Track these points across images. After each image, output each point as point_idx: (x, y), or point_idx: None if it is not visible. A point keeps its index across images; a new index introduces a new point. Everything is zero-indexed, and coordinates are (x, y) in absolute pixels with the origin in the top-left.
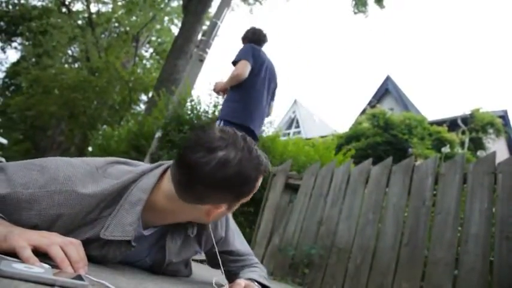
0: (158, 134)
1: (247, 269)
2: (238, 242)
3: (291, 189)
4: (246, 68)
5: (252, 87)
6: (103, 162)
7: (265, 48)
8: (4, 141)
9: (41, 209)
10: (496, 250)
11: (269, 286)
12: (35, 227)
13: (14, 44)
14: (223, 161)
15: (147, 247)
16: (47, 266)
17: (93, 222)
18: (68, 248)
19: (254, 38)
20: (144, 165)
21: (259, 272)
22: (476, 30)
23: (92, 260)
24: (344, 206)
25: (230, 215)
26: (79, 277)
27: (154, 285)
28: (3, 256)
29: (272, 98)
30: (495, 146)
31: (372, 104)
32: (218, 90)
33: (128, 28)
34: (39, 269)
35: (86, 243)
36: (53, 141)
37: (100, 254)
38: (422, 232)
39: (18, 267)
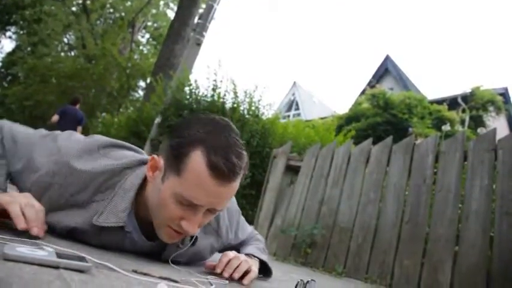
0: (158, 120)
1: (245, 246)
2: (241, 233)
3: (292, 170)
4: (54, 118)
5: (62, 125)
6: (109, 143)
7: None
8: None
9: (39, 175)
10: (496, 226)
11: (265, 261)
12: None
13: (8, 34)
14: (190, 119)
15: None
16: (50, 249)
17: (85, 206)
18: (26, 208)
19: (69, 100)
20: (145, 156)
21: (256, 245)
22: (476, 6)
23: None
24: (345, 186)
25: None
26: (83, 259)
27: (157, 268)
28: (5, 242)
29: (79, 124)
30: (495, 123)
31: (371, 84)
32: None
33: (123, 13)
34: (43, 252)
35: (82, 231)
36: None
37: (99, 242)
38: (423, 210)
39: (22, 250)
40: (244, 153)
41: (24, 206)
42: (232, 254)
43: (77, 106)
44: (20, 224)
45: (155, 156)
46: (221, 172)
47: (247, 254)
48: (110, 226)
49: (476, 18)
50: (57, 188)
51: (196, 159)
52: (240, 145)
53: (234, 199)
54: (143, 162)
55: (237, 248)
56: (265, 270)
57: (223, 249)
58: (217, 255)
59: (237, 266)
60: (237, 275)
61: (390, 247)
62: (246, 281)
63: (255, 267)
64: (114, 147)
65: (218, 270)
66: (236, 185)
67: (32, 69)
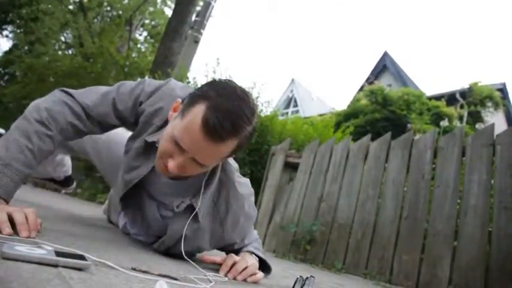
0: None
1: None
2: (247, 239)
3: (291, 167)
4: None
5: None
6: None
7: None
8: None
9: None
10: (494, 221)
11: (264, 258)
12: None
13: (5, 32)
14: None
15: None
16: (49, 247)
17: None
18: (14, 213)
19: None
20: None
21: (254, 245)
22: (475, 3)
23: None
24: (344, 182)
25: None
26: (82, 257)
27: (156, 265)
28: (4, 241)
29: None
30: (493, 119)
31: (369, 81)
32: None
33: (120, 11)
34: (41, 251)
35: (137, 156)
36: None
37: (144, 161)
38: (422, 205)
39: (21, 249)
40: (244, 126)
41: (12, 212)
42: (237, 257)
43: None
44: (5, 230)
45: (179, 100)
46: (209, 129)
47: (248, 251)
48: (152, 141)
49: (474, 15)
50: (152, 107)
51: (197, 111)
52: (243, 117)
53: (254, 208)
54: None
55: (239, 250)
56: (264, 268)
57: (226, 250)
58: (216, 251)
59: (243, 270)
60: (240, 278)
61: (389, 243)
62: (250, 279)
63: (260, 272)
64: None
65: (222, 273)
66: (222, 149)
67: (29, 68)
